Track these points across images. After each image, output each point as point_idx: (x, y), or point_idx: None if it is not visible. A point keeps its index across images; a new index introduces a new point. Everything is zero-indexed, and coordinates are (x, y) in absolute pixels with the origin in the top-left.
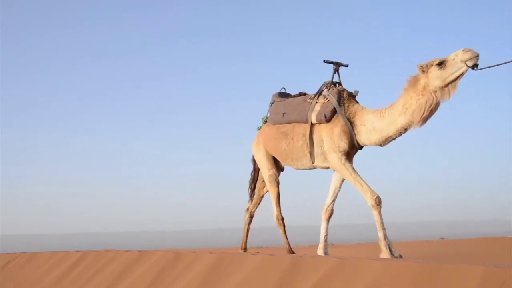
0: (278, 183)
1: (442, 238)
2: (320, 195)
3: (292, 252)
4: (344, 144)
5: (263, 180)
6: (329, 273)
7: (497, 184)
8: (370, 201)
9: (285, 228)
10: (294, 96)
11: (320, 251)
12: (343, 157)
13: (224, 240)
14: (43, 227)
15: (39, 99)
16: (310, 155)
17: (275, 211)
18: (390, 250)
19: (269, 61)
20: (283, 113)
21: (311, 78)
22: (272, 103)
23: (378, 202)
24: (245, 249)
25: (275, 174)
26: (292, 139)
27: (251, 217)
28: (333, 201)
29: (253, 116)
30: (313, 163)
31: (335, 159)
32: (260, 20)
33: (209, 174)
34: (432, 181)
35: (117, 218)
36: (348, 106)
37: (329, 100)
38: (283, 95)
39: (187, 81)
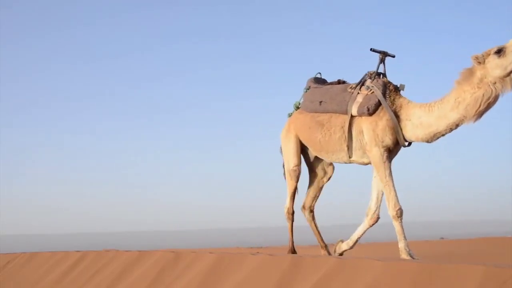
0: (298, 179)
1: (442, 238)
2: (323, 196)
3: (294, 251)
4: (388, 140)
5: (322, 168)
6: (329, 273)
7: (497, 184)
8: (391, 211)
9: (293, 224)
10: (332, 83)
11: (344, 246)
12: (385, 154)
13: (224, 240)
14: (43, 227)
15: (39, 99)
16: (348, 149)
17: (287, 203)
18: (412, 258)
19: (269, 61)
20: (320, 102)
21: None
22: (308, 89)
23: (399, 214)
24: (325, 247)
25: (299, 171)
26: (329, 130)
27: (312, 212)
28: (379, 206)
29: (253, 116)
30: (350, 157)
31: (377, 154)
32: (260, 20)
33: (209, 174)
34: (432, 181)
35: (117, 218)
36: (393, 100)
37: (373, 92)
38: (320, 81)
39: (187, 81)
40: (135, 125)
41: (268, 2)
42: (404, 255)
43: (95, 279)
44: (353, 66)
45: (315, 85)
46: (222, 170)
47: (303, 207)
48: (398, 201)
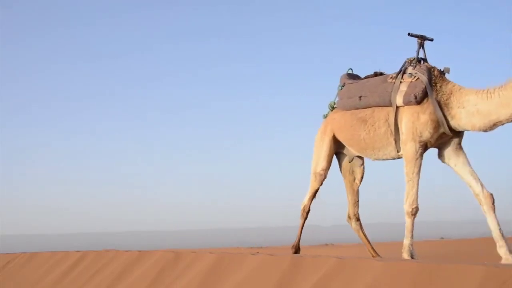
0: (322, 183)
1: (442, 238)
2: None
3: (298, 248)
4: (427, 134)
5: (351, 170)
6: (329, 273)
7: (497, 184)
8: (407, 207)
9: (305, 222)
10: (368, 76)
11: (502, 251)
12: (420, 150)
13: (224, 240)
14: (43, 227)
15: (39, 99)
16: (396, 142)
17: (305, 201)
18: (412, 258)
19: (269, 61)
20: (360, 96)
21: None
22: (342, 86)
23: (414, 212)
24: (377, 255)
25: (325, 175)
26: (373, 125)
27: (358, 220)
28: (482, 184)
29: (253, 116)
30: (398, 151)
31: (412, 149)
32: (260, 20)
33: (209, 174)
34: (432, 181)
35: (117, 218)
36: (440, 86)
37: (418, 78)
38: (353, 76)
39: (187, 81)
40: (135, 125)
41: (268, 2)
42: (405, 254)
43: (95, 279)
44: (353, 66)
45: (350, 81)
46: (222, 170)
47: (348, 217)
48: (417, 199)
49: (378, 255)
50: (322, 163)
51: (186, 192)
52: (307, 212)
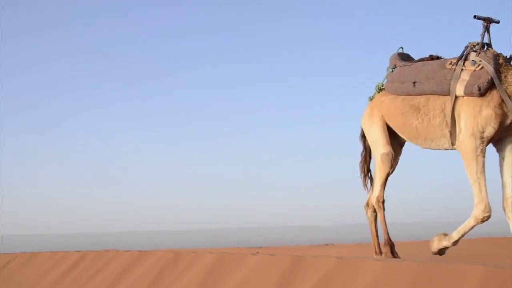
0: (391, 164)
1: None
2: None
3: (392, 245)
4: (491, 130)
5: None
6: (329, 273)
7: (497, 184)
8: (478, 213)
9: (385, 213)
10: (423, 59)
11: None
12: (481, 147)
13: (224, 240)
14: (43, 227)
15: (39, 99)
16: (451, 135)
17: (377, 191)
18: (439, 253)
19: (269, 61)
20: (414, 82)
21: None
22: (394, 68)
23: (484, 220)
24: (380, 253)
25: (391, 154)
26: (427, 115)
27: (375, 212)
28: None
29: (253, 116)
30: (453, 144)
31: (471, 146)
32: (260, 20)
33: (209, 174)
34: (432, 181)
35: (117, 218)
36: (505, 76)
37: (482, 67)
38: (405, 57)
39: (187, 81)
40: (135, 125)
41: (268, 2)
42: (446, 242)
43: (95, 279)
44: (353, 66)
45: (403, 63)
46: (222, 170)
47: (367, 204)
48: (489, 203)
49: (381, 253)
50: (383, 144)
51: (186, 192)
52: (383, 202)
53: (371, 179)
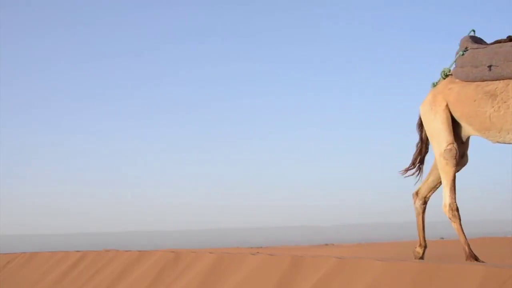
0: (456, 161)
1: (442, 238)
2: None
3: (476, 257)
4: None
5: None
6: (329, 273)
7: (497, 184)
8: None
9: (461, 221)
10: (500, 41)
11: None
12: None
13: (224, 240)
14: (43, 227)
15: (39, 99)
16: None
17: (447, 198)
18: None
19: (269, 61)
20: (489, 66)
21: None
22: (465, 51)
23: None
24: (425, 247)
25: (456, 149)
26: (505, 102)
27: (425, 203)
28: None
29: (253, 116)
30: None
31: None
32: (260, 20)
33: (209, 174)
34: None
35: (117, 218)
36: None
37: None
38: (477, 40)
39: (187, 81)
40: (135, 125)
41: (268, 2)
42: None
43: (95, 279)
44: (353, 66)
45: (475, 46)
46: (222, 170)
47: (416, 194)
48: None
49: (426, 247)
50: (447, 137)
51: (186, 192)
52: (457, 210)
53: (420, 169)
